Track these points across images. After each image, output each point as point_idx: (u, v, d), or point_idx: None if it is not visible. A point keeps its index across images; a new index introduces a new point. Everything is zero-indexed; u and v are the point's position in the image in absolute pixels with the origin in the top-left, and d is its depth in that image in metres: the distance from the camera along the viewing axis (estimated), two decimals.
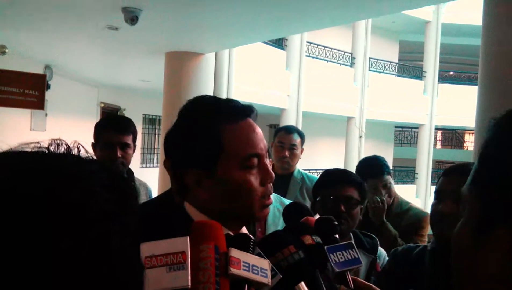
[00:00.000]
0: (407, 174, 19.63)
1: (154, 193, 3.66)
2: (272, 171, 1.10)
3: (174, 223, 1.06)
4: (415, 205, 3.03)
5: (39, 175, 0.42)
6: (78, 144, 0.49)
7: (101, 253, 0.42)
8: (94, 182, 0.44)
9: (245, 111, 1.11)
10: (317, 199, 1.99)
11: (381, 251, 2.03)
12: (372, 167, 2.81)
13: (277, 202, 2.30)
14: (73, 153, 0.48)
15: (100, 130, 2.58)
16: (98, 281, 0.41)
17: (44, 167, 0.43)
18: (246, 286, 0.87)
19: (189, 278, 0.83)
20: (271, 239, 1.03)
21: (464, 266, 0.59)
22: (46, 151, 0.47)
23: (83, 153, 0.48)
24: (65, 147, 0.48)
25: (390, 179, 2.88)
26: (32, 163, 0.44)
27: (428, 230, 2.81)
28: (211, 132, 1.06)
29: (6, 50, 5.53)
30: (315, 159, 15.65)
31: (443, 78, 19.87)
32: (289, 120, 12.53)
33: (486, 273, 0.55)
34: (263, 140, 1.11)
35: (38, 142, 0.47)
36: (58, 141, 0.48)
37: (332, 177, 2.03)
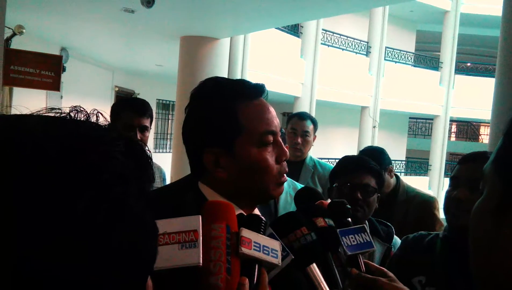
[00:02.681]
0: (421, 165, 19.50)
1: (168, 177, 3.68)
2: (286, 149, 1.11)
3: (188, 202, 1.07)
4: (421, 191, 2.99)
5: (61, 137, 0.43)
6: (98, 112, 0.50)
7: (117, 214, 0.43)
8: (112, 147, 0.45)
9: (258, 90, 1.12)
10: (334, 185, 1.98)
11: (396, 239, 2.02)
12: None
13: (290, 187, 2.30)
14: (92, 120, 0.50)
15: (118, 111, 2.56)
16: (113, 240, 0.42)
17: (66, 130, 0.45)
18: (256, 266, 0.88)
19: (201, 256, 0.84)
20: (284, 219, 1.04)
21: (483, 245, 0.59)
22: (68, 117, 0.48)
23: (101, 121, 0.50)
24: (85, 114, 0.49)
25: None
26: (54, 125, 0.45)
27: (440, 214, 2.79)
28: (228, 110, 1.07)
29: (24, 31, 5.56)
30: (328, 148, 15.62)
31: (460, 69, 19.59)
32: (303, 108, 12.46)
33: (507, 251, 0.54)
34: (276, 118, 1.13)
35: (59, 108, 0.48)
36: (78, 108, 0.49)
37: (350, 164, 2.02)
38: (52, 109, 0.48)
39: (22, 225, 0.38)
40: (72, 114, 0.48)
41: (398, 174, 3.03)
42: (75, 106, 0.49)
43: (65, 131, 0.45)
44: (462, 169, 1.56)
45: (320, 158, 3.36)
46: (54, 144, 0.42)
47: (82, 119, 0.49)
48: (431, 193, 15.95)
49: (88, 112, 0.50)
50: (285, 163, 1.12)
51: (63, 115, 0.48)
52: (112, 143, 0.46)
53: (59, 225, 0.39)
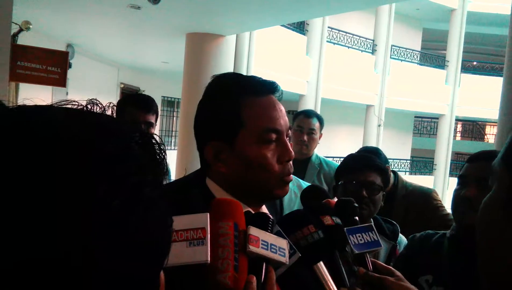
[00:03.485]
0: (425, 165, 19.45)
1: (172, 174, 3.68)
2: (291, 150, 1.10)
3: (194, 198, 1.07)
4: (419, 185, 2.97)
5: (80, 127, 0.44)
6: (113, 105, 0.52)
7: (133, 202, 0.43)
8: (129, 139, 0.47)
9: (268, 87, 1.11)
10: (339, 183, 1.98)
11: (402, 237, 2.02)
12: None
13: (294, 185, 2.29)
14: (108, 113, 0.51)
15: (124, 107, 2.55)
16: (129, 227, 0.43)
17: (85, 121, 0.46)
18: (264, 264, 0.88)
19: (209, 253, 0.83)
20: (291, 217, 1.04)
21: (491, 240, 0.59)
22: (85, 109, 0.50)
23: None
24: (101, 107, 0.51)
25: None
26: (73, 116, 0.47)
27: (441, 202, 2.79)
28: (230, 105, 1.07)
29: (31, 27, 5.58)
30: (333, 146, 15.59)
31: (466, 68, 19.51)
32: (308, 106, 12.42)
33: None
34: (285, 117, 1.11)
35: (76, 101, 0.50)
36: (94, 101, 0.51)
37: (355, 161, 2.02)
38: (70, 101, 0.49)
39: (40, 213, 0.39)
40: (89, 107, 0.50)
41: (403, 173, 3.03)
42: (91, 99, 0.50)
43: (84, 122, 0.46)
44: (471, 167, 1.55)
45: (324, 156, 3.35)
46: (74, 134, 0.43)
47: (99, 111, 0.50)
48: None
49: (104, 105, 0.51)
50: (289, 163, 1.10)
51: (80, 107, 0.49)
52: (128, 135, 0.47)
53: (77, 212, 0.40)
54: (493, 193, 0.60)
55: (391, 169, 2.82)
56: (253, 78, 1.13)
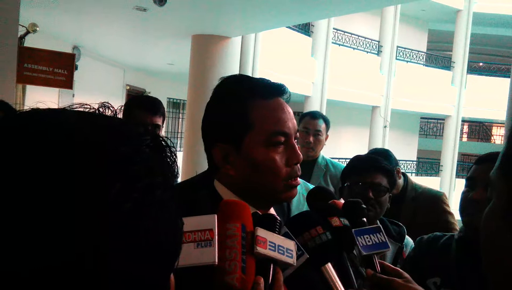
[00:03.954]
0: (432, 166, 19.39)
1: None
2: (299, 152, 1.09)
3: (201, 199, 1.07)
4: (428, 187, 2.96)
5: (93, 130, 0.45)
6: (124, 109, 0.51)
7: (145, 203, 0.44)
8: (141, 141, 0.47)
9: (276, 90, 1.11)
10: (345, 184, 1.97)
11: (408, 239, 2.01)
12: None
13: (302, 188, 2.29)
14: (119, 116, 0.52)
15: (131, 109, 2.54)
16: (140, 229, 0.43)
17: (98, 124, 0.47)
18: (271, 265, 0.88)
19: (216, 255, 0.83)
20: (299, 218, 1.03)
21: (494, 249, 0.59)
22: (97, 112, 0.50)
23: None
24: (113, 110, 0.51)
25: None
26: (87, 119, 0.47)
27: (450, 207, 2.78)
28: (238, 107, 1.07)
29: (37, 29, 5.61)
30: (338, 148, 15.57)
31: (472, 69, 19.42)
32: (313, 107, 12.42)
33: None
34: (293, 120, 1.11)
35: (89, 105, 0.50)
36: (106, 104, 0.51)
37: (361, 163, 2.01)
38: (83, 104, 0.50)
39: (52, 215, 0.39)
40: (101, 110, 0.50)
41: (409, 174, 3.02)
42: (103, 102, 0.51)
43: (96, 124, 0.46)
44: (478, 169, 1.54)
45: (330, 158, 3.35)
46: (86, 136, 0.44)
47: (110, 114, 0.51)
48: None
49: (116, 109, 0.52)
50: (297, 167, 1.10)
51: (92, 110, 0.50)
52: (140, 137, 0.47)
53: (90, 214, 0.40)
54: (492, 205, 0.60)
55: (400, 171, 2.81)
56: (261, 81, 1.13)
